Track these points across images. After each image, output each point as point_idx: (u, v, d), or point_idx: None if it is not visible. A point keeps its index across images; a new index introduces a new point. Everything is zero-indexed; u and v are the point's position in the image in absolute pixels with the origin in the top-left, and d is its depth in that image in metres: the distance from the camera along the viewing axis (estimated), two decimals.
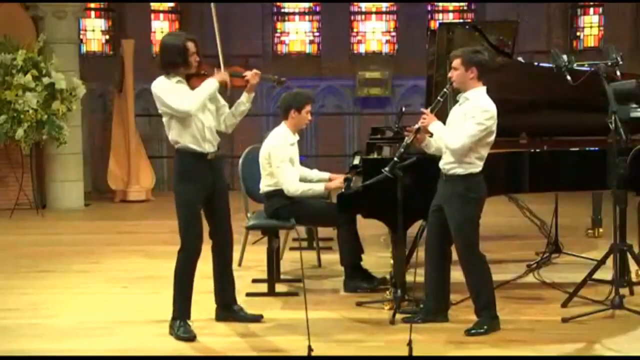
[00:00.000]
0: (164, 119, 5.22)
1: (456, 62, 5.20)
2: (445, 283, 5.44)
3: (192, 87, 5.18)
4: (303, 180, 6.37)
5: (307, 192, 6.18)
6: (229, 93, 5.37)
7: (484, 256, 5.27)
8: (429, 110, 5.31)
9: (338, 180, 6.24)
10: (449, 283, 5.46)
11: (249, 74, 5.29)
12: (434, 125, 5.22)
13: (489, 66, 5.23)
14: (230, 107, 5.39)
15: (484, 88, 5.21)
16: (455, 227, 5.19)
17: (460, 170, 5.17)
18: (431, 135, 5.29)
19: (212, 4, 5.30)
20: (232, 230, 5.46)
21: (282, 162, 6.18)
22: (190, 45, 5.14)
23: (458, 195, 5.16)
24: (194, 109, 5.08)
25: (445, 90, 5.30)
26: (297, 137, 6.40)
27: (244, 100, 5.36)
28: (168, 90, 5.10)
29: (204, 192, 5.22)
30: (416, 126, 5.29)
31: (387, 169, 5.26)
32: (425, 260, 5.43)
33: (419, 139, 5.31)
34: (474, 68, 5.15)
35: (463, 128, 5.09)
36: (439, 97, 5.31)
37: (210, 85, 5.15)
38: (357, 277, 6.26)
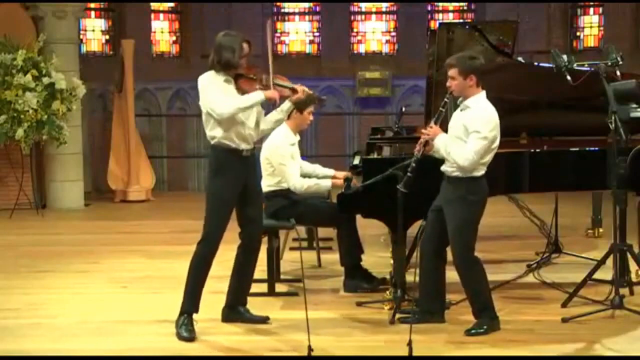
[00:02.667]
0: (203, 114, 5.25)
1: (453, 72, 5.16)
2: (439, 284, 5.43)
3: (239, 88, 5.22)
4: (305, 176, 6.38)
5: (312, 187, 6.20)
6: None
7: (478, 258, 5.27)
8: (432, 122, 5.31)
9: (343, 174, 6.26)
10: (444, 284, 5.45)
11: (299, 88, 5.35)
12: (440, 140, 5.18)
13: (484, 70, 5.21)
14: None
15: (484, 93, 5.20)
16: (453, 228, 5.19)
17: (460, 174, 5.17)
18: None
19: (268, 24, 5.37)
20: (262, 231, 5.49)
21: (285, 159, 6.19)
22: (245, 47, 5.19)
23: (458, 197, 5.16)
24: (226, 114, 5.10)
25: (445, 100, 5.29)
26: (297, 138, 6.42)
27: (285, 109, 5.44)
28: (214, 87, 5.14)
29: (237, 188, 5.25)
30: (422, 140, 5.28)
31: (401, 185, 5.25)
32: (419, 260, 5.42)
33: (427, 149, 5.30)
34: (472, 75, 5.13)
35: (468, 143, 5.08)
36: (440, 108, 5.31)
37: (256, 97, 5.17)
38: (357, 277, 6.26)
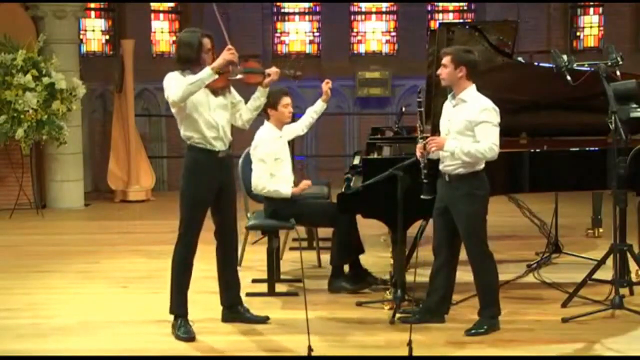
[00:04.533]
0: (175, 115, 5.21)
1: (446, 60, 5.22)
2: (453, 286, 5.45)
3: (209, 85, 5.15)
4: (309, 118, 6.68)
5: (271, 193, 6.18)
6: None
7: (492, 254, 5.28)
8: (422, 127, 5.34)
9: (303, 183, 6.25)
10: (453, 286, 5.47)
11: (271, 71, 5.31)
12: (449, 145, 5.17)
13: (477, 67, 5.23)
14: (246, 102, 5.42)
15: (474, 86, 5.22)
16: (465, 226, 5.20)
17: (463, 170, 5.18)
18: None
19: (214, 5, 5.31)
20: (237, 230, 5.47)
21: (261, 158, 6.19)
22: (206, 42, 5.13)
23: (464, 194, 5.17)
24: (179, 97, 5.00)
25: (418, 99, 5.40)
26: (283, 132, 6.41)
27: (259, 95, 5.38)
28: (171, 82, 5.08)
29: (212, 190, 5.23)
30: (421, 148, 5.28)
31: (425, 194, 5.29)
32: (435, 262, 5.42)
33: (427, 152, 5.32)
34: (463, 67, 5.16)
35: (483, 135, 5.09)
36: (419, 109, 5.40)
37: (203, 73, 5.00)
38: (341, 277, 6.24)
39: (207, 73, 5.00)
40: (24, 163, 10.21)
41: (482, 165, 5.20)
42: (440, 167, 5.29)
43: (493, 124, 5.13)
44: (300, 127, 6.72)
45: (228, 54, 5.03)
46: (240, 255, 6.85)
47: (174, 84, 5.05)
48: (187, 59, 5.11)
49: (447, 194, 5.27)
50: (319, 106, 6.71)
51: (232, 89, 5.34)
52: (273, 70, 5.32)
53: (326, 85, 6.59)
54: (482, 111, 5.12)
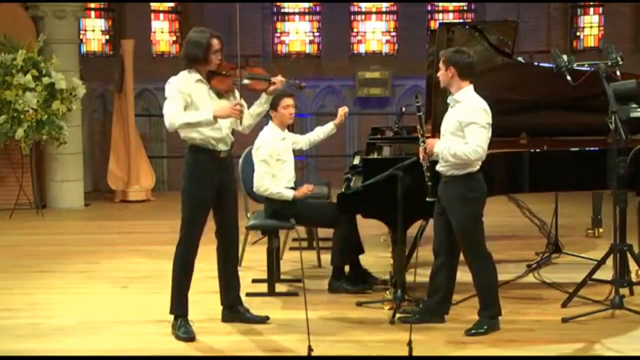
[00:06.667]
0: None
1: (441, 62, 5.27)
2: (453, 286, 5.45)
3: (213, 87, 5.18)
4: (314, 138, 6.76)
5: (274, 195, 6.19)
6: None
7: (490, 254, 5.28)
8: (421, 131, 5.34)
9: (305, 187, 6.26)
10: (454, 287, 5.47)
11: (277, 80, 5.32)
12: (439, 146, 5.19)
13: (471, 67, 5.22)
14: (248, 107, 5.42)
15: (471, 86, 5.22)
16: (459, 227, 5.20)
17: (456, 172, 5.17)
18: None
19: (237, 5, 5.33)
20: (239, 230, 5.47)
21: (263, 159, 6.20)
22: (215, 42, 5.12)
23: (459, 196, 5.17)
24: (173, 129, 5.11)
25: (417, 104, 5.39)
26: (286, 133, 6.42)
27: (263, 102, 5.40)
28: (172, 93, 5.09)
29: (213, 190, 5.23)
30: (422, 151, 5.30)
31: (429, 195, 5.30)
32: (436, 262, 5.42)
33: (429, 155, 5.33)
34: (451, 67, 5.19)
35: (470, 136, 5.08)
36: (418, 114, 5.38)
37: (203, 117, 5.06)
38: (342, 279, 6.25)
39: (206, 118, 5.05)
40: (24, 163, 10.21)
41: (477, 167, 5.18)
42: (437, 168, 5.29)
43: (480, 124, 5.10)
44: (304, 142, 6.77)
45: (233, 111, 5.08)
46: (240, 255, 6.84)
47: (169, 106, 5.08)
48: (194, 58, 5.12)
49: (444, 195, 5.27)
50: (328, 128, 6.77)
51: (237, 93, 5.34)
52: (278, 79, 5.34)
53: (342, 111, 6.61)
54: (471, 111, 5.11)
